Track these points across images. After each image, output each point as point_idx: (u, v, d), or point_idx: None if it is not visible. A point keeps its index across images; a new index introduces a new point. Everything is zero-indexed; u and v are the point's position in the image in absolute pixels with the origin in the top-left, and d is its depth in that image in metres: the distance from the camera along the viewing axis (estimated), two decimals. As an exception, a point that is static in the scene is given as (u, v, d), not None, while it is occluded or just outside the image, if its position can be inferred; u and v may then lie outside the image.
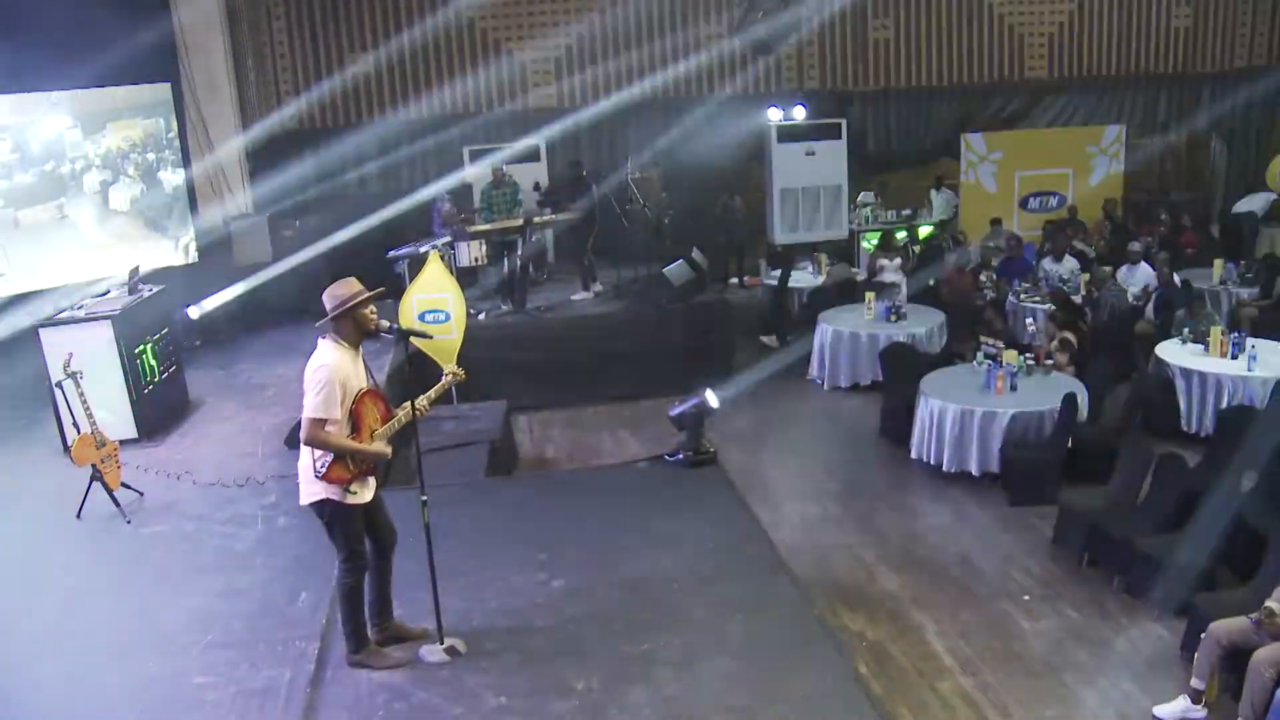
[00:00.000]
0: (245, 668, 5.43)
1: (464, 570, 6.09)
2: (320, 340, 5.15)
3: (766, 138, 15.53)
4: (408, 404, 5.20)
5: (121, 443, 8.64)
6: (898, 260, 13.25)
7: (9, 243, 11.09)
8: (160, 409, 9.35)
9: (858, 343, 11.32)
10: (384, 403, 5.25)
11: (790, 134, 15.36)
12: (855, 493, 8.97)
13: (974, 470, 8.75)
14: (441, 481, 8.49)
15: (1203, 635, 5.54)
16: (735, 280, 15.53)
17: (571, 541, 6.45)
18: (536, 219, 12.60)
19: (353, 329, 5.13)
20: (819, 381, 11.70)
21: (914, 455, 9.27)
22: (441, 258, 11.85)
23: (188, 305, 11.40)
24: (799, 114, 15.48)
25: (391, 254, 12.94)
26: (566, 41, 15.67)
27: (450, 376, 5.55)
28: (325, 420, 4.92)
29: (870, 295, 11.75)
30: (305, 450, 5.02)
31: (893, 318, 11.37)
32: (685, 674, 5.04)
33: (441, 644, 5.22)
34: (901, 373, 9.98)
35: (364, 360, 5.24)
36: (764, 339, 13.00)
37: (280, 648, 5.55)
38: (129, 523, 7.38)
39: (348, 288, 5.14)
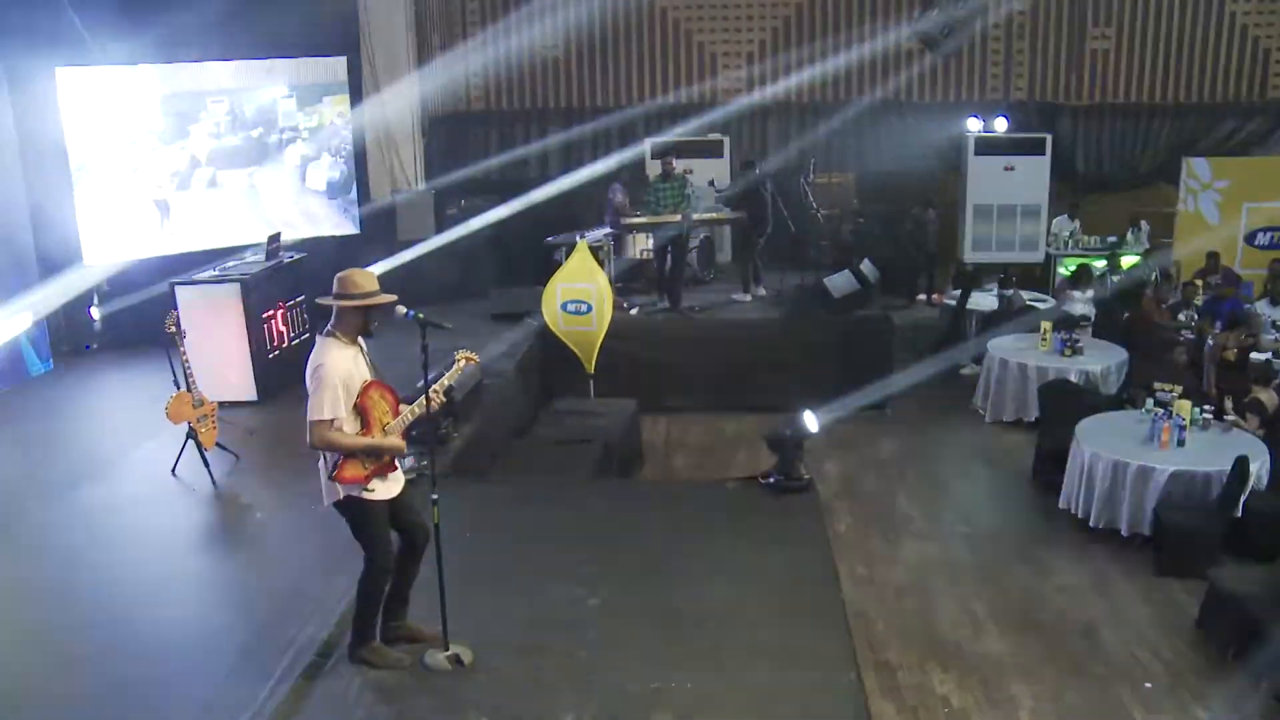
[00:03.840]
0: (252, 646, 5.35)
1: (504, 574, 5.81)
2: (318, 338, 4.93)
3: (964, 149, 14.57)
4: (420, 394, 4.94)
5: (240, 405, 8.92)
6: (1090, 292, 12.10)
7: (206, 202, 11.72)
8: (284, 374, 9.43)
9: (1025, 375, 10.36)
10: (392, 394, 4.99)
11: (989, 146, 14.34)
12: (986, 538, 8.14)
13: (1123, 529, 7.78)
14: (544, 477, 8.46)
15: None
16: (923, 297, 14.66)
17: (627, 558, 6.03)
18: (696, 216, 12.21)
19: (356, 325, 4.88)
20: (981, 412, 10.83)
21: (1062, 505, 8.35)
22: (594, 249, 11.75)
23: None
24: (1000, 126, 14.43)
25: (550, 240, 12.93)
26: (760, 36, 15.19)
27: (463, 361, 5.23)
28: (330, 421, 4.71)
29: (1047, 325, 10.76)
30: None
31: (1068, 352, 10.35)
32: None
33: (446, 650, 4.94)
34: (1061, 412, 9.01)
35: (365, 353, 4.99)
36: (963, 370, 12.09)
37: (293, 630, 5.42)
38: (214, 484, 7.50)
39: (368, 282, 4.88)
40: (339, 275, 4.89)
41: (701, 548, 6.12)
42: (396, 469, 4.99)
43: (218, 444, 7.81)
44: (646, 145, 14.71)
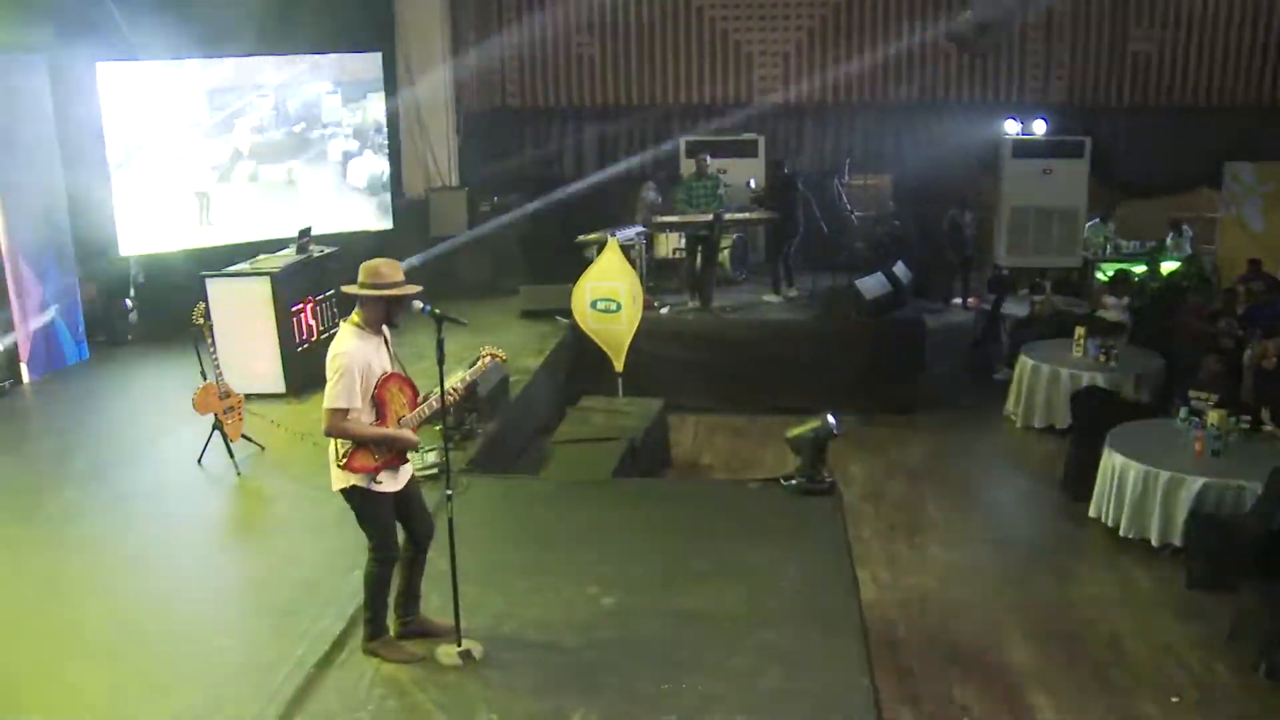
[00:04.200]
0: (266, 636, 5.37)
1: (521, 571, 5.77)
2: (341, 324, 4.94)
3: (1001, 151, 14.38)
4: (437, 389, 4.92)
5: (267, 397, 8.97)
6: (1126, 299, 11.91)
7: (246, 196, 11.86)
8: (311, 368, 9.44)
9: (1058, 381, 10.19)
10: (411, 388, 4.98)
11: (1027, 149, 14.12)
12: (1013, 545, 8.04)
13: (1153, 540, 7.64)
14: (566, 475, 8.43)
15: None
16: (959, 300, 14.48)
17: (644, 557, 5.96)
18: (728, 215, 12.14)
19: (379, 315, 4.88)
20: (1013, 418, 10.68)
21: (1092, 514, 8.21)
22: (625, 247, 11.71)
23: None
24: (1039, 128, 14.22)
25: (581, 238, 12.91)
26: (797, 35, 15.05)
27: (487, 358, 5.21)
28: (346, 410, 4.71)
29: (1081, 331, 10.60)
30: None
31: (1102, 358, 10.18)
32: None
33: (459, 646, 4.93)
34: (1093, 420, 8.86)
35: (388, 344, 4.99)
36: (996, 375, 11.94)
37: (308, 623, 5.42)
38: (239, 475, 7.54)
39: (393, 272, 4.87)
40: (364, 265, 4.89)
41: (720, 547, 6.04)
42: (407, 462, 4.99)
43: (244, 435, 7.85)
44: (681, 143, 14.66)
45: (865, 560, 7.49)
